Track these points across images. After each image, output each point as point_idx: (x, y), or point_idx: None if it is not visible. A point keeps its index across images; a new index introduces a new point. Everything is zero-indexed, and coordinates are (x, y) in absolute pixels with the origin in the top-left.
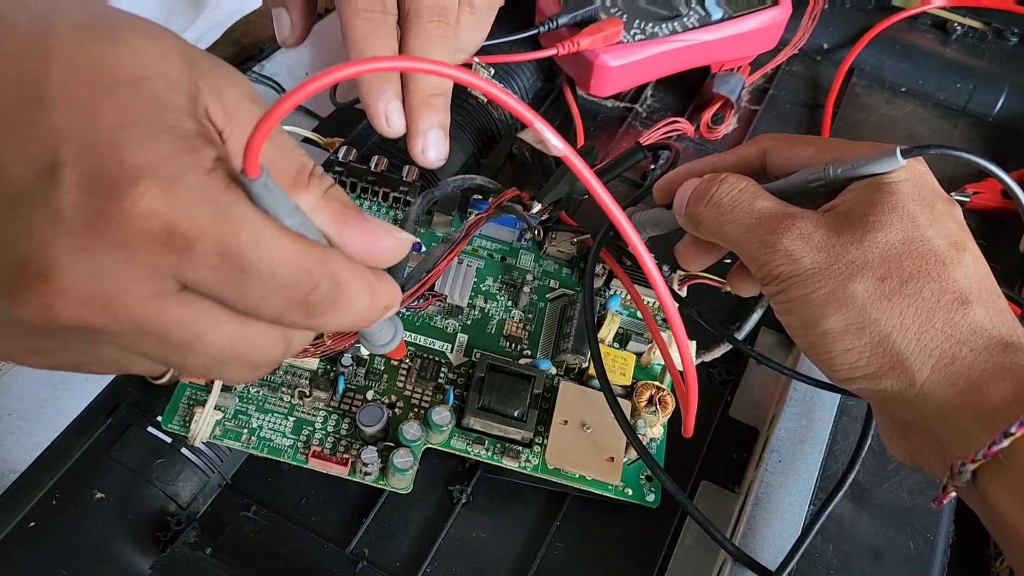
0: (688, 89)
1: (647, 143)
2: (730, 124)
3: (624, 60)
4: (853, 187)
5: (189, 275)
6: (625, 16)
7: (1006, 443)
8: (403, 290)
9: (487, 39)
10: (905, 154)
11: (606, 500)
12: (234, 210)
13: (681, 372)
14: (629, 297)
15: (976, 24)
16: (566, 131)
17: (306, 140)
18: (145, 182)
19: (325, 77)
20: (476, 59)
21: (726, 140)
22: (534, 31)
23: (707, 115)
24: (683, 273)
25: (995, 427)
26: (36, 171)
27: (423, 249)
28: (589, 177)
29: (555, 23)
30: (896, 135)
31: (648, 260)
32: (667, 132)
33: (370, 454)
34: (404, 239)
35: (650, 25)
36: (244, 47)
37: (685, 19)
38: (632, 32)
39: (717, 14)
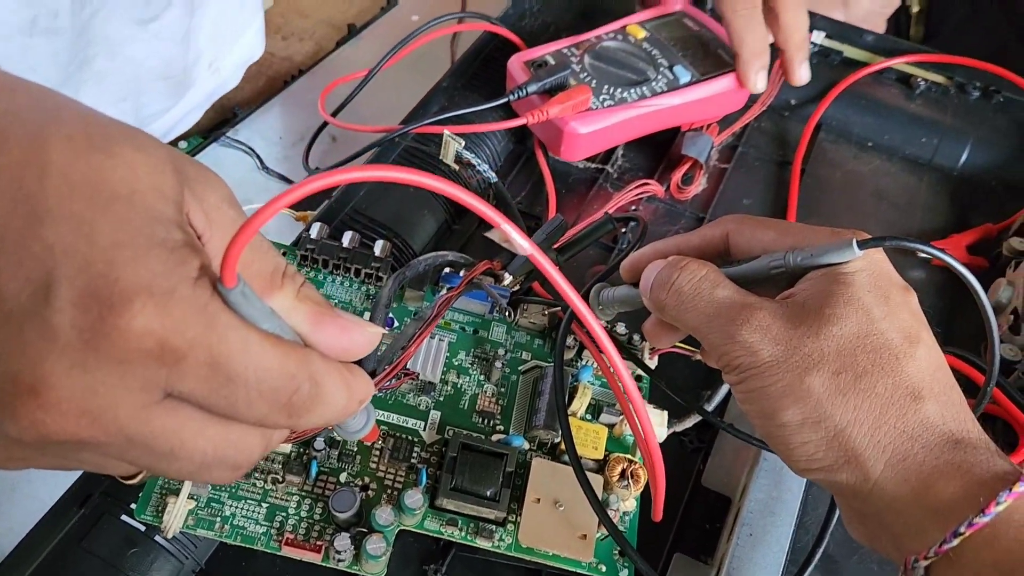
0: (658, 149)
1: (618, 205)
2: (700, 184)
3: (594, 126)
4: (811, 276)
5: (178, 385)
6: (594, 82)
7: (955, 542)
8: (376, 372)
9: (461, 107)
10: (861, 245)
11: None
12: (220, 319)
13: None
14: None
15: (939, 79)
16: (538, 194)
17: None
18: (140, 300)
19: (299, 190)
20: (447, 131)
21: (696, 200)
22: (505, 99)
23: (677, 175)
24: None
25: (946, 525)
26: (32, 289)
27: (396, 325)
28: (555, 275)
29: (525, 91)
30: (863, 191)
31: (609, 347)
32: (638, 194)
33: (343, 541)
34: (375, 333)
35: (619, 90)
36: (219, 111)
37: (654, 83)
38: (601, 98)
39: (685, 77)
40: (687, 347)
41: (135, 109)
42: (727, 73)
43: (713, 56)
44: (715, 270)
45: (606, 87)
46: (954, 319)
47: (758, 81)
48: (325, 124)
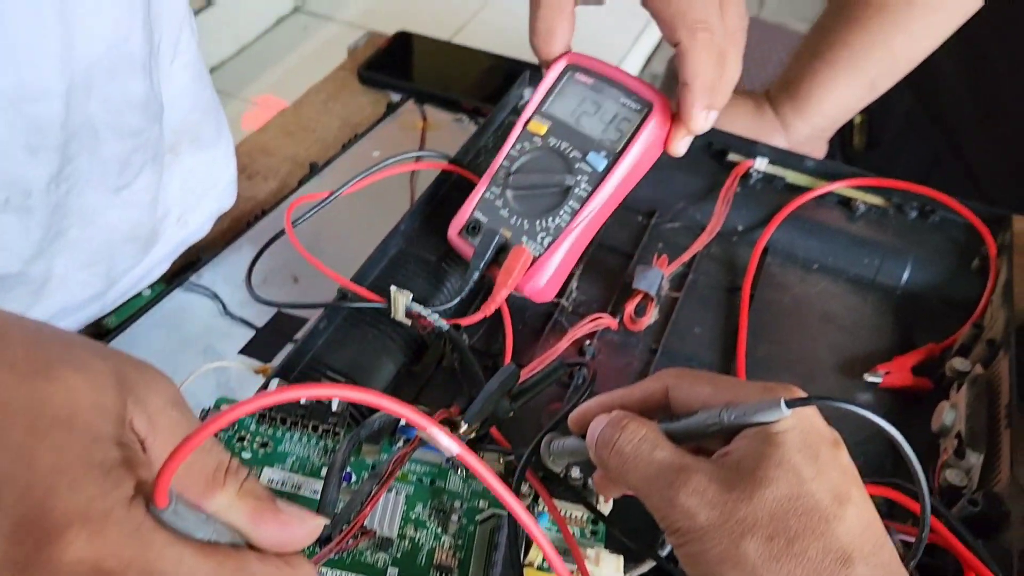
0: (611, 278)
1: (573, 339)
2: (652, 315)
3: (547, 273)
4: (745, 434)
5: None
6: (525, 223)
7: None
8: (332, 536)
9: (420, 250)
10: (789, 404)
11: None
12: (155, 538)
13: None
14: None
15: (878, 201)
16: (496, 333)
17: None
18: (75, 528)
19: (238, 409)
20: (393, 288)
21: (650, 331)
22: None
23: (630, 307)
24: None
25: None
26: None
27: (354, 480)
28: (488, 476)
29: (471, 282)
30: (811, 314)
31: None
32: (592, 328)
33: None
34: (316, 525)
35: (550, 219)
36: (183, 255)
37: (577, 189)
38: (540, 237)
39: (601, 164)
40: None
41: (106, 271)
42: (640, 127)
43: (618, 109)
44: (654, 429)
45: (538, 223)
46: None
47: (705, 121)
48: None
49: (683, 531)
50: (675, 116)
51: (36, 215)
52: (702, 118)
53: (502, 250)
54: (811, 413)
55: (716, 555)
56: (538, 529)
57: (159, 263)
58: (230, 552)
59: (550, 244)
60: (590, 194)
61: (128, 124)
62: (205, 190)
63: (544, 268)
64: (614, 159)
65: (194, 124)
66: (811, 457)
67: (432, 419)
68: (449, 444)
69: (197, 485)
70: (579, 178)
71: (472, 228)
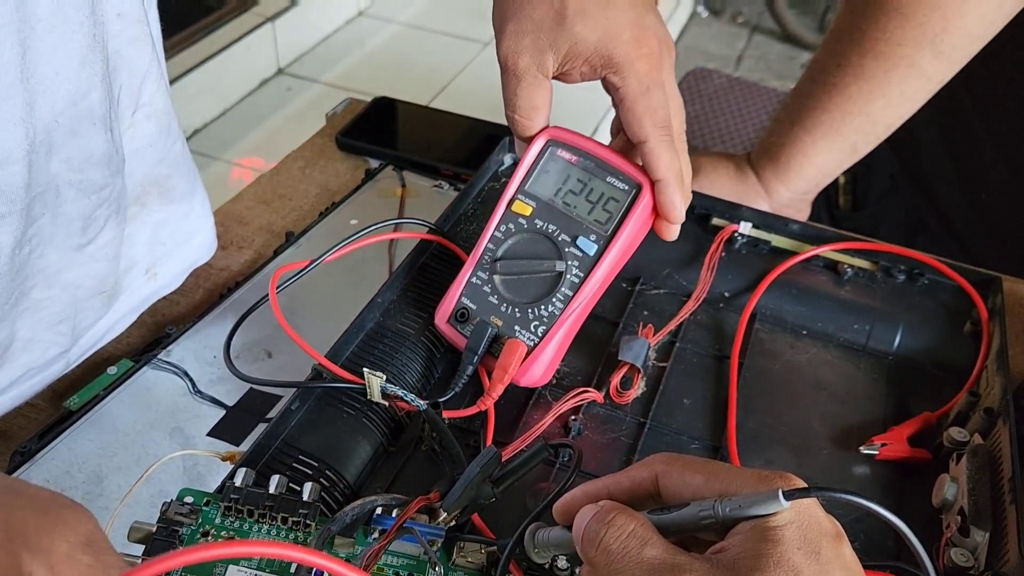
0: (596, 348)
1: (558, 414)
2: (639, 388)
3: (543, 362)
4: (741, 529)
5: None
6: (517, 312)
7: None
8: None
9: (397, 322)
10: (788, 496)
11: None
12: None
13: None
14: None
15: (865, 264)
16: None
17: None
18: None
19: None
20: (366, 369)
21: (637, 403)
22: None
23: (615, 379)
24: None
25: None
26: None
27: None
28: None
29: (465, 377)
30: (803, 382)
31: None
32: (578, 402)
33: None
34: None
35: (542, 308)
36: (151, 329)
37: (568, 275)
38: (533, 326)
39: (591, 249)
40: None
41: (71, 328)
42: (631, 209)
43: (605, 188)
44: (644, 524)
45: (531, 312)
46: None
47: (683, 209)
48: (260, 302)
49: None
50: (655, 211)
51: (1, 281)
52: (682, 208)
53: (495, 340)
54: (811, 503)
55: None
56: None
57: (124, 316)
58: None
59: (545, 334)
60: (583, 280)
61: (91, 180)
62: (177, 243)
63: (540, 359)
64: (605, 243)
65: (163, 177)
66: (812, 555)
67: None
68: None
69: None
70: (570, 263)
71: (461, 316)
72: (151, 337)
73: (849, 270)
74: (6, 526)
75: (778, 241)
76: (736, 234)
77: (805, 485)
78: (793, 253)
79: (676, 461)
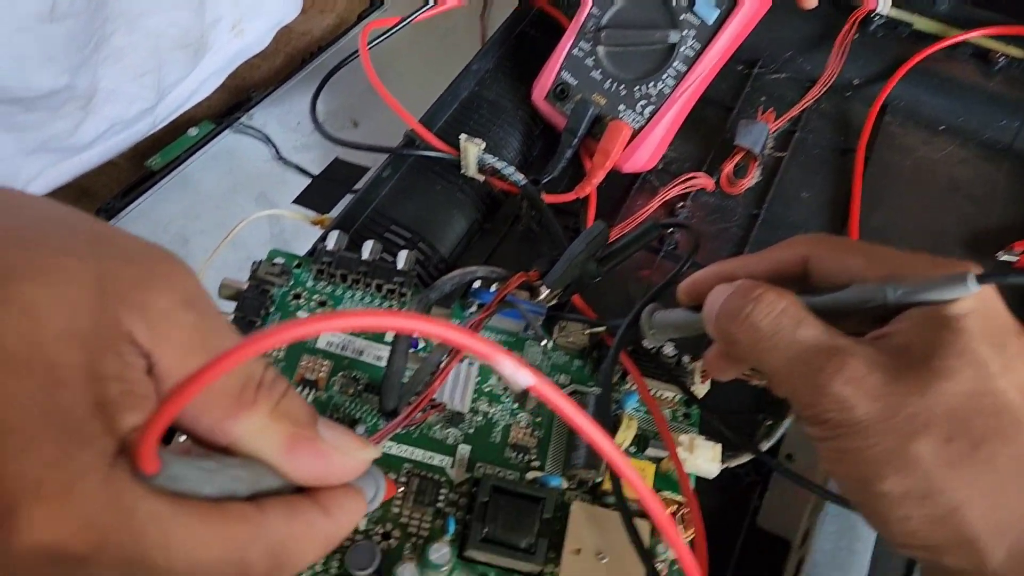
0: (708, 134)
1: (664, 200)
2: (754, 176)
3: (650, 148)
4: (910, 315)
5: None
6: (621, 88)
7: None
8: (399, 409)
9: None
10: (981, 280)
11: None
12: (140, 508)
13: None
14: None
15: (1020, 54)
16: (577, 183)
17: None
18: (25, 507)
19: (241, 352)
20: (463, 137)
21: (750, 194)
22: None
23: (728, 167)
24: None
25: None
26: None
27: (422, 346)
28: (568, 408)
29: (564, 159)
30: (936, 181)
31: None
32: (685, 188)
33: None
34: (363, 459)
35: (651, 85)
36: (232, 92)
37: (683, 47)
38: (639, 107)
39: (712, 15)
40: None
41: (156, 82)
42: None
43: None
44: (796, 303)
45: (637, 90)
46: None
47: None
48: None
49: (834, 424)
50: None
51: (80, 20)
52: None
53: (597, 121)
54: (993, 296)
55: (877, 454)
56: (631, 469)
57: (210, 76)
58: (244, 514)
59: (652, 115)
60: (699, 53)
61: None
62: None
63: (645, 143)
64: (728, 9)
65: None
66: (997, 348)
67: (498, 346)
68: (522, 377)
69: (219, 405)
70: (685, 33)
71: (560, 92)
72: (232, 101)
73: (1002, 59)
74: (99, 278)
75: (921, 24)
76: (873, 14)
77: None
78: (937, 38)
79: (829, 241)
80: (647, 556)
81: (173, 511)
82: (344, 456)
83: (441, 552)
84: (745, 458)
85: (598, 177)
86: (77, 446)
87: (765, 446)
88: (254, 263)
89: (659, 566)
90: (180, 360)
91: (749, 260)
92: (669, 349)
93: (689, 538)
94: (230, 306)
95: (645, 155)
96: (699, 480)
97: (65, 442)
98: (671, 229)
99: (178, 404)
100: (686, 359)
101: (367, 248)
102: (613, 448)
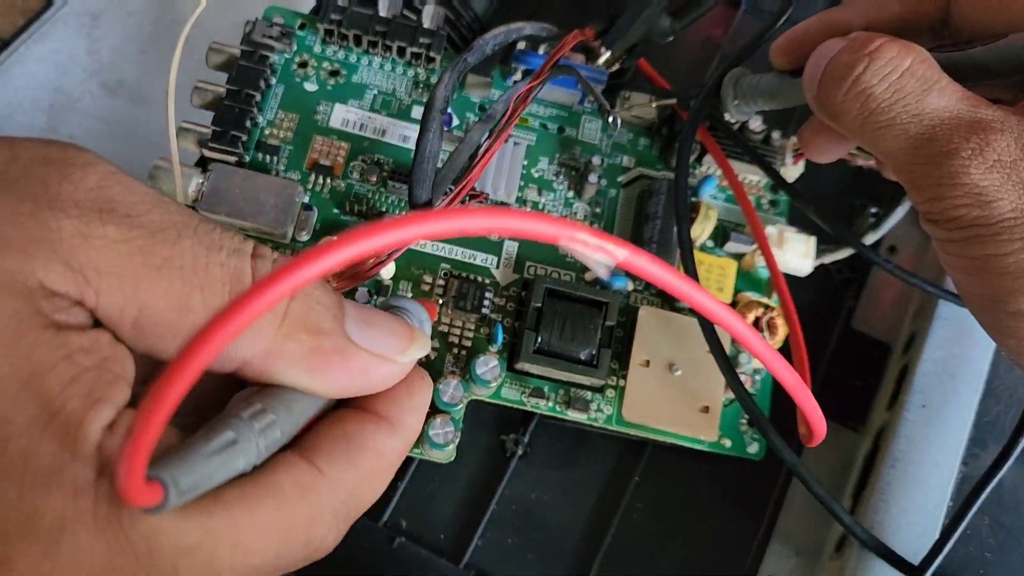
0: None
1: None
2: None
3: None
4: None
5: None
6: None
7: None
8: (433, 200)
9: None
10: None
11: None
12: (159, 543)
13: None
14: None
15: None
16: None
17: None
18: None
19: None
20: None
21: None
22: None
23: None
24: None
25: None
26: None
27: (456, 124)
28: (675, 281)
29: None
30: None
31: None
32: None
33: None
34: (406, 362)
35: None
36: None
37: None
38: None
39: None
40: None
41: None
42: None
43: None
44: (927, 59)
45: None
46: None
47: None
48: None
49: (967, 222)
50: None
51: None
52: None
53: None
54: None
55: (1019, 264)
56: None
57: None
58: (300, 479)
59: None
60: None
61: None
62: None
63: None
64: None
65: None
66: None
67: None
68: (611, 253)
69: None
70: None
71: None
72: None
73: None
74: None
75: None
76: None
77: None
78: None
79: None
80: (730, 367)
81: (203, 530)
82: (386, 364)
83: (490, 365)
84: (844, 253)
85: None
86: (41, 494)
87: (870, 240)
88: (247, 22)
89: (742, 377)
90: (129, 290)
91: (870, 4)
92: (756, 123)
93: (777, 346)
94: (222, 77)
95: None
96: (786, 278)
97: (26, 497)
98: None
99: (160, 413)
100: (776, 135)
101: (384, 2)
102: (738, 321)
